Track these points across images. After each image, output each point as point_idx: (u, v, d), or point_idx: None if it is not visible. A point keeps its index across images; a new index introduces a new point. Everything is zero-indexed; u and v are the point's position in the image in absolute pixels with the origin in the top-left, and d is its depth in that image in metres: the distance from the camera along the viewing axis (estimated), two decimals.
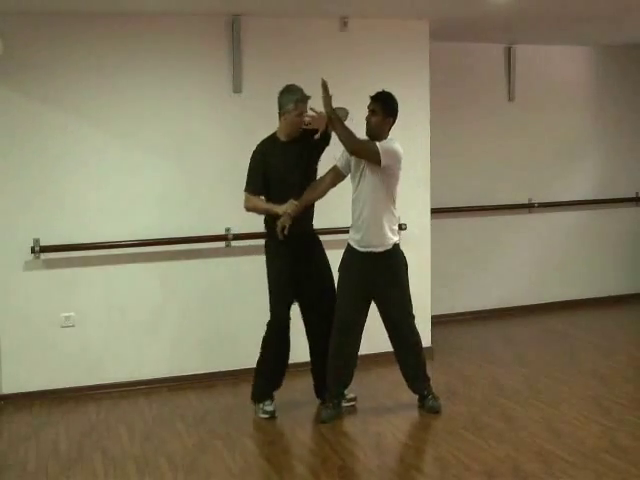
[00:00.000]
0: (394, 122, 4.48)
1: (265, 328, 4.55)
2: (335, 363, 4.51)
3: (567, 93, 7.25)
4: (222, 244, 5.34)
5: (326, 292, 4.59)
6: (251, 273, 5.15)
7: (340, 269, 4.57)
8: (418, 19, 5.61)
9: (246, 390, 4.73)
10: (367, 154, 4.31)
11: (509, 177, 7.03)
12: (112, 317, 5.19)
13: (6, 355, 5.00)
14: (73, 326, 5.11)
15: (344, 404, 4.63)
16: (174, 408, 4.85)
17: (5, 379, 5.01)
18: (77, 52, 4.99)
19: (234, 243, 5.32)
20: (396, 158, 4.36)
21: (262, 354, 4.58)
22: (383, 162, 4.28)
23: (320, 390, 4.68)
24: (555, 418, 4.48)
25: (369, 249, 4.42)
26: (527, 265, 7.19)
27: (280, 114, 4.45)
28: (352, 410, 4.65)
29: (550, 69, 7.13)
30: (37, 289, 5.03)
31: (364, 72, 5.55)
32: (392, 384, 5.15)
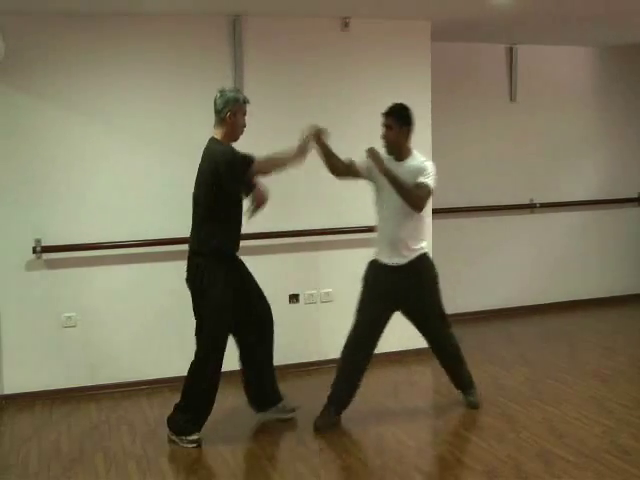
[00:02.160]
0: (411, 131, 4.40)
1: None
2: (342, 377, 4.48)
3: (569, 93, 7.25)
4: None
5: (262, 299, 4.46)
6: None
7: (364, 286, 4.46)
8: (420, 19, 5.61)
9: None
10: (427, 199, 4.26)
11: (511, 177, 7.03)
12: (114, 317, 5.19)
13: (8, 355, 5.01)
14: (75, 326, 5.11)
15: (281, 415, 4.52)
16: None
17: (7, 379, 5.01)
18: (77, 52, 4.99)
19: None
20: (435, 178, 4.29)
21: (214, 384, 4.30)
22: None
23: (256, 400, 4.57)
24: (556, 418, 4.48)
25: (400, 262, 4.34)
26: (528, 265, 7.19)
27: (224, 117, 4.12)
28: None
29: (552, 69, 7.13)
30: (39, 289, 5.04)
31: (365, 72, 5.56)
32: (393, 384, 5.16)
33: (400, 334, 5.79)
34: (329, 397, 4.46)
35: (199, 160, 5.30)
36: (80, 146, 5.06)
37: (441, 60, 6.16)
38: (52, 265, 5.04)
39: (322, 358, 5.49)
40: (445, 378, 5.16)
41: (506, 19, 5.63)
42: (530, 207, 7.12)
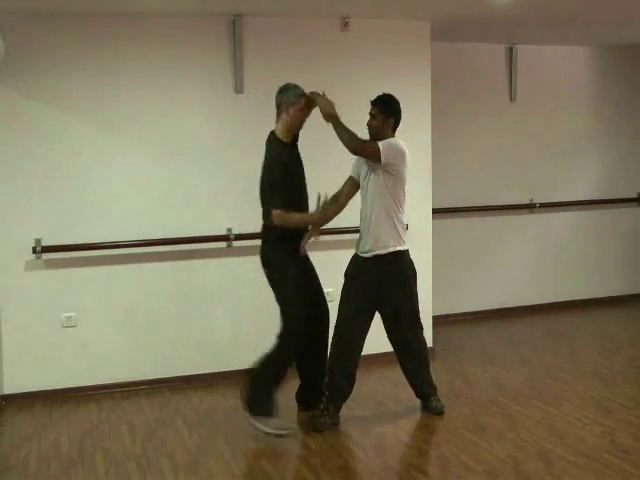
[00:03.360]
0: (398, 123, 4.46)
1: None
2: (335, 369, 4.46)
3: (569, 93, 7.25)
4: (223, 244, 5.35)
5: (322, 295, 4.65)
6: (252, 273, 5.15)
7: (345, 278, 4.54)
8: (419, 19, 5.61)
9: None
10: (368, 152, 4.31)
11: (510, 177, 7.04)
12: (114, 317, 5.19)
13: (8, 355, 5.01)
14: (75, 326, 5.11)
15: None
16: (175, 408, 4.85)
17: (7, 379, 5.01)
18: (77, 52, 4.99)
19: (235, 243, 5.32)
20: (397, 154, 4.32)
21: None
22: (383, 158, 4.25)
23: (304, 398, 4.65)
24: (556, 418, 4.48)
25: (374, 253, 4.38)
26: (528, 265, 7.19)
27: (281, 110, 4.34)
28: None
29: (552, 69, 7.13)
30: (39, 289, 5.04)
31: (365, 72, 5.56)
32: (393, 384, 5.15)
33: None
34: (327, 397, 4.44)
35: (199, 160, 5.34)
36: (80, 146, 5.05)
37: (441, 60, 6.16)
38: (52, 265, 5.04)
39: None
40: (445, 378, 5.17)
41: (506, 19, 5.64)
42: (530, 207, 7.12)
